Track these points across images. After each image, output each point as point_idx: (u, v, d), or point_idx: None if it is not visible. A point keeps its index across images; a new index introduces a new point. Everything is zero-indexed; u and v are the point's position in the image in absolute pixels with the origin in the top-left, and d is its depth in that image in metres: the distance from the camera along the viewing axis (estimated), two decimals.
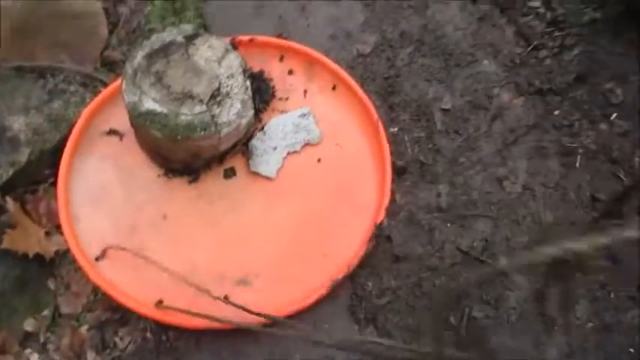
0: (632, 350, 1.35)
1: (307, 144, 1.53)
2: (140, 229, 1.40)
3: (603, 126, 1.67)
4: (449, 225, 1.49)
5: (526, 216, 1.52)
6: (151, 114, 1.30)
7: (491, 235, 1.49)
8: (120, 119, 1.48)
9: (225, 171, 1.49)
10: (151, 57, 1.37)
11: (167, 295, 1.28)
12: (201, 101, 1.33)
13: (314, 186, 1.49)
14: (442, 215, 1.50)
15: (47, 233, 1.39)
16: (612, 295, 1.42)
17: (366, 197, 1.46)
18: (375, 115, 1.53)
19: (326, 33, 1.75)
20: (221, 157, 1.48)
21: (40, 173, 1.46)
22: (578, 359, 1.34)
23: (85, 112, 1.50)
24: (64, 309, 1.32)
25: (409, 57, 1.74)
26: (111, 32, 1.72)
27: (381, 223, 1.41)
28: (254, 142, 1.51)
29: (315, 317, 1.33)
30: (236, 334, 1.31)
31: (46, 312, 1.31)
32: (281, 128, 1.54)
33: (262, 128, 1.54)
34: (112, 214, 1.41)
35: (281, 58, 1.62)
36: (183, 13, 1.77)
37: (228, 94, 1.37)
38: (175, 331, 1.32)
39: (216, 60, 1.39)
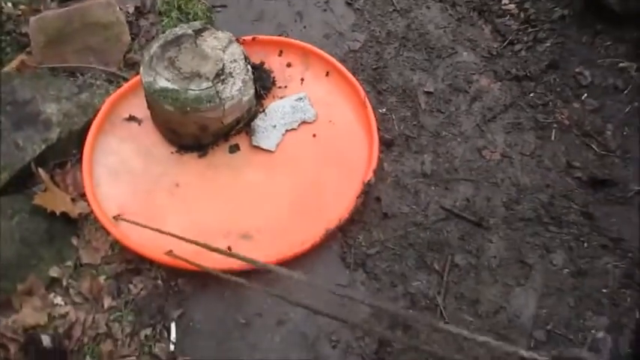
0: (604, 290, 1.43)
1: (304, 122, 1.72)
2: (155, 194, 1.58)
3: (575, 104, 1.82)
4: (433, 188, 1.63)
5: (504, 179, 1.66)
6: (164, 91, 1.52)
7: (473, 196, 1.62)
8: (139, 107, 1.70)
9: (230, 147, 1.68)
10: (164, 46, 1.60)
11: (176, 247, 1.42)
12: (207, 79, 1.54)
13: (310, 157, 1.66)
14: (426, 180, 1.64)
15: (73, 200, 1.57)
16: (586, 245, 1.52)
17: (356, 162, 1.62)
18: (363, 93, 1.72)
19: (320, 34, 1.97)
20: (226, 134, 1.67)
21: (69, 151, 1.66)
22: (554, 299, 1.43)
23: (109, 100, 1.71)
24: (85, 259, 1.47)
25: (395, 51, 1.94)
26: (133, 39, 1.96)
27: (369, 182, 1.56)
28: (256, 121, 1.71)
29: (310, 264, 1.46)
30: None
31: (69, 262, 1.47)
32: (280, 110, 1.74)
33: (263, 110, 1.73)
34: (131, 183, 1.60)
35: (280, 53, 1.85)
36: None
37: (231, 74, 1.58)
38: (183, 278, 1.46)
39: (221, 48, 1.61)
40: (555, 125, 1.77)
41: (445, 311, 1.41)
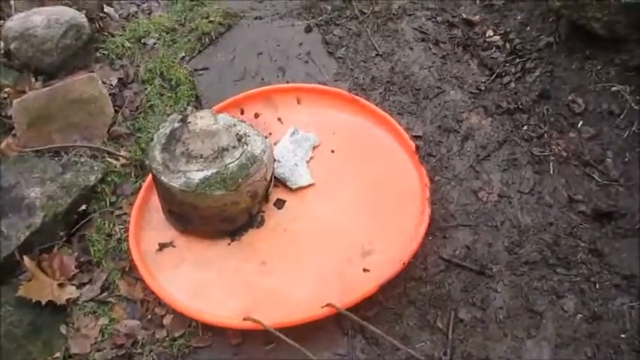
0: (622, 335, 1.34)
1: (314, 146, 1.74)
2: (246, 279, 1.51)
3: (572, 134, 1.75)
4: (430, 237, 1.56)
5: (504, 221, 1.58)
6: (206, 180, 1.45)
7: (473, 243, 1.55)
8: (158, 233, 1.60)
9: (275, 203, 1.63)
10: (166, 148, 1.54)
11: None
12: (234, 147, 1.51)
13: (343, 169, 1.69)
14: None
15: (60, 285, 1.53)
16: (598, 286, 1.43)
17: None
18: (347, 93, 1.82)
19: None
20: (266, 196, 1.62)
21: (55, 234, 1.63)
22: (570, 350, 1.33)
23: (132, 244, 1.56)
24: (74, 349, 1.42)
25: (381, 97, 1.90)
26: (116, 111, 1.95)
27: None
28: (277, 171, 1.66)
29: (301, 330, 1.38)
30: (233, 357, 1.39)
31: (57, 354, 1.42)
32: (285, 151, 1.72)
33: (274, 161, 1.68)
34: (217, 285, 1.51)
35: (242, 111, 1.84)
36: (178, 88, 2.00)
37: (246, 134, 1.57)
38: None
39: (213, 122, 1.56)
40: (553, 158, 1.70)
41: None
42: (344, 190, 1.63)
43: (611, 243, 1.50)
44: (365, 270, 1.45)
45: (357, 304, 1.38)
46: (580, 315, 1.39)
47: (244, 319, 1.36)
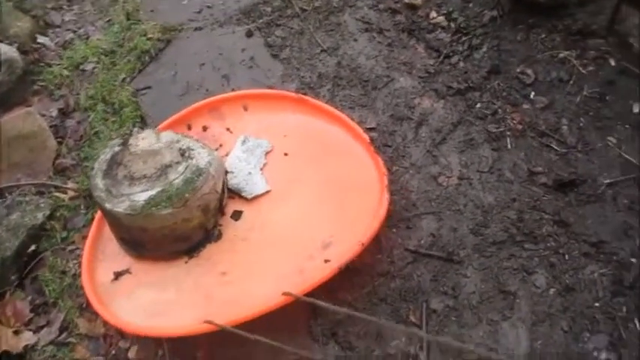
0: (596, 304, 1.30)
1: (267, 152, 1.67)
2: (207, 290, 1.44)
3: (525, 105, 1.73)
4: (394, 230, 1.51)
5: (467, 203, 1.54)
6: (151, 200, 1.39)
7: (437, 230, 1.50)
8: (113, 261, 1.53)
9: (232, 215, 1.56)
10: (107, 173, 1.47)
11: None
12: (177, 163, 1.45)
13: (298, 170, 1.62)
14: (385, 222, 1.52)
15: (15, 332, 1.45)
16: (567, 257, 1.40)
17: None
18: (293, 94, 1.77)
19: None
20: (221, 209, 1.55)
21: (6, 279, 1.55)
22: (546, 326, 1.30)
23: (84, 279, 1.48)
24: None
25: (330, 93, 1.85)
26: (60, 143, 1.87)
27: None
28: (231, 182, 1.60)
29: (274, 338, 1.32)
30: None
31: None
32: (237, 161, 1.65)
33: (226, 173, 1.62)
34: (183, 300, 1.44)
35: (189, 127, 1.77)
36: (122, 110, 1.93)
37: (189, 147, 1.50)
38: None
39: (155, 140, 1.49)
40: (509, 132, 1.67)
41: None
42: (301, 192, 1.58)
43: (576, 211, 1.47)
44: (326, 261, 1.38)
45: (316, 288, 1.31)
46: (552, 289, 1.35)
47: (204, 322, 1.27)
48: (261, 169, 1.65)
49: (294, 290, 1.28)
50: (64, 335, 1.47)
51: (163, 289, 1.45)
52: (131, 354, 1.42)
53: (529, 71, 1.77)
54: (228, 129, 1.75)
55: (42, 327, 1.48)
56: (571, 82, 1.68)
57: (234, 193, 1.61)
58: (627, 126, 1.60)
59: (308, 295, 1.28)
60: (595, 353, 1.24)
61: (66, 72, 2.07)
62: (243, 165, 1.65)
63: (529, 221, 1.47)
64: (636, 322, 1.26)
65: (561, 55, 1.73)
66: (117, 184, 1.44)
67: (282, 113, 1.76)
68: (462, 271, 1.42)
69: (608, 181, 1.50)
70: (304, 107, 1.74)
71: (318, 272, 1.35)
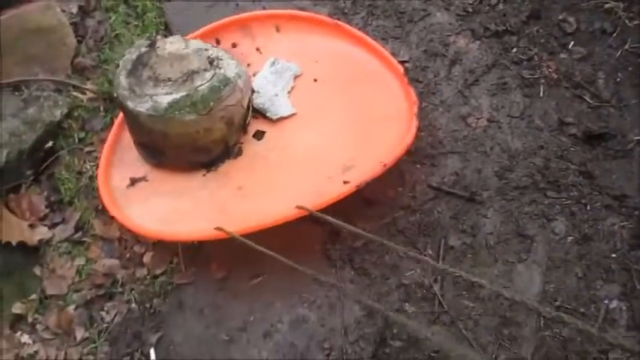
0: (613, 255, 1.32)
1: (296, 76, 1.63)
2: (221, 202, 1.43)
3: (562, 55, 1.68)
4: (418, 166, 1.51)
5: (494, 146, 1.53)
6: (175, 104, 1.34)
7: (462, 169, 1.50)
8: (130, 167, 1.51)
9: (255, 135, 1.54)
10: (132, 73, 1.41)
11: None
12: (205, 70, 1.40)
13: (326, 97, 1.58)
14: (410, 158, 1.52)
15: (31, 225, 1.45)
16: (588, 208, 1.40)
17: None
18: (329, 19, 1.69)
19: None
20: (244, 126, 1.53)
21: (21, 172, 1.53)
22: (560, 271, 1.32)
23: (100, 179, 1.46)
24: (50, 290, 1.36)
25: (363, 21, 1.79)
26: (80, 42, 1.81)
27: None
28: (256, 102, 1.56)
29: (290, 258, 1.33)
30: (217, 292, 1.35)
31: (33, 296, 1.36)
32: (265, 82, 1.61)
33: (253, 92, 1.58)
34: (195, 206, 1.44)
35: (217, 42, 1.70)
36: (144, 15, 1.86)
37: (218, 57, 1.45)
38: (158, 298, 1.35)
39: (184, 47, 1.43)
40: (543, 80, 1.64)
41: (443, 300, 1.30)
42: (327, 118, 1.55)
43: (602, 165, 1.47)
44: (345, 182, 1.36)
45: (331, 205, 1.29)
46: (570, 237, 1.37)
47: (215, 229, 1.28)
48: (289, 93, 1.61)
49: (309, 207, 1.27)
50: (79, 234, 1.47)
51: (178, 199, 1.44)
52: (146, 259, 1.43)
53: (571, 19, 1.71)
54: (257, 49, 1.68)
55: (57, 224, 1.48)
56: (614, 34, 1.63)
57: (259, 113, 1.57)
58: None
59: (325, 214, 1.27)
60: (606, 301, 1.27)
61: None
62: (270, 87, 1.60)
63: (554, 170, 1.47)
64: None
65: (607, 6, 1.67)
66: (141, 84, 1.39)
67: (316, 38, 1.69)
68: (482, 211, 1.43)
69: (638, 138, 1.48)
70: (338, 33, 1.67)
71: (335, 191, 1.34)
